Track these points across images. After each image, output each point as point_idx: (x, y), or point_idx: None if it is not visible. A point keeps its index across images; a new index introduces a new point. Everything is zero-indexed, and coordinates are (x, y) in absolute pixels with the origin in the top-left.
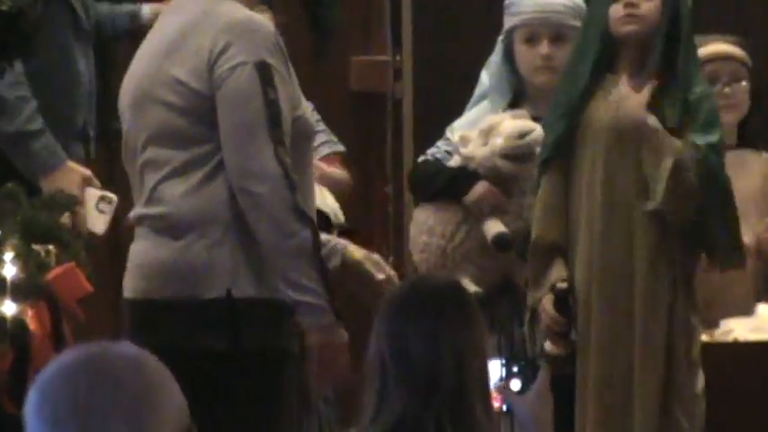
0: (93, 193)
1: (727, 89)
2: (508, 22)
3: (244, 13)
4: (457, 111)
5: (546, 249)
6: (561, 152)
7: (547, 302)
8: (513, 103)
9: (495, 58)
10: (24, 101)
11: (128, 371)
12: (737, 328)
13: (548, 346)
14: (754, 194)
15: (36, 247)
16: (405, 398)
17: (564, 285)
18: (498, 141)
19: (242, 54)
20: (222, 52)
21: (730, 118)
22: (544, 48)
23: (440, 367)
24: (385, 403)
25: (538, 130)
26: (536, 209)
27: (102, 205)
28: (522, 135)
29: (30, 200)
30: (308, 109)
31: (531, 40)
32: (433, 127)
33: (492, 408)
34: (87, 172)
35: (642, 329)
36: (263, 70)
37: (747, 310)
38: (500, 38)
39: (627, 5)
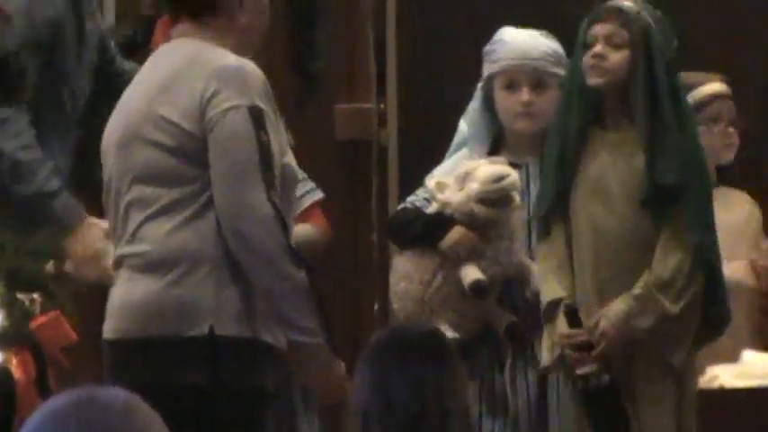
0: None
1: (730, 129)
2: (488, 69)
3: (235, 58)
4: (443, 158)
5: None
6: (561, 205)
7: (560, 323)
8: (493, 150)
9: (474, 105)
10: (40, 162)
11: (117, 417)
12: (723, 375)
13: (578, 369)
14: (740, 228)
15: (21, 295)
16: None
17: (570, 302)
18: (474, 186)
19: (235, 98)
20: (214, 95)
21: (730, 157)
22: (524, 95)
23: (423, 414)
24: None
25: (513, 175)
26: (546, 265)
27: None
28: (498, 179)
29: (15, 248)
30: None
31: (511, 86)
32: (419, 174)
33: None
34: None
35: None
36: (256, 114)
37: (734, 357)
38: (479, 85)
39: (593, 57)
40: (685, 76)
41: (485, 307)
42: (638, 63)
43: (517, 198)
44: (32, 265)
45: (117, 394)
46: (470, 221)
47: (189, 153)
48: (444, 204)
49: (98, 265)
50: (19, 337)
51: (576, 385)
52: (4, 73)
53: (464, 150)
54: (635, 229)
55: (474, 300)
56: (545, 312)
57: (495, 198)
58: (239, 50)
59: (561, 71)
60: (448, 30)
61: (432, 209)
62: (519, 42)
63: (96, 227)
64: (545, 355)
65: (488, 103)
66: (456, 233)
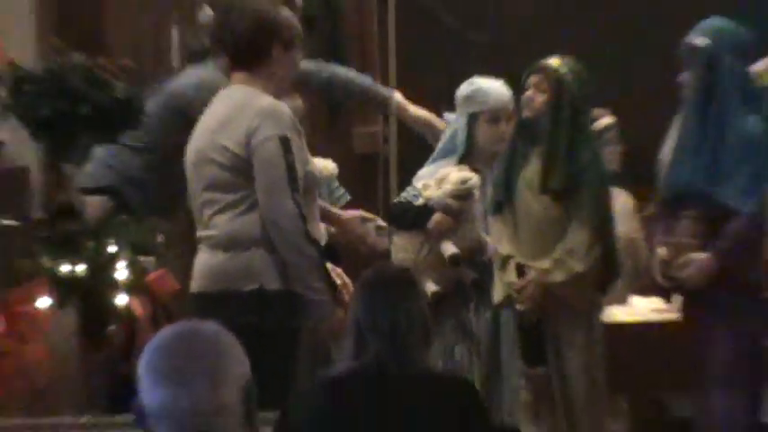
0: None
1: (618, 148)
2: (475, 107)
3: (271, 101)
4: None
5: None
6: (509, 195)
7: (510, 274)
8: (460, 159)
9: (459, 131)
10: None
11: (209, 340)
12: (617, 313)
13: (518, 306)
14: (620, 210)
15: (141, 257)
16: (375, 345)
17: (520, 260)
18: (448, 187)
19: (270, 130)
20: (256, 129)
21: (614, 167)
22: (503, 126)
23: (397, 326)
24: (361, 348)
25: (475, 179)
26: (500, 232)
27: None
28: (464, 182)
29: (136, 228)
30: (315, 167)
31: (494, 121)
32: (410, 177)
33: (430, 347)
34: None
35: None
36: (284, 142)
37: (624, 301)
38: (465, 118)
39: (526, 98)
40: (595, 111)
41: (457, 269)
42: (551, 103)
43: (476, 194)
44: (148, 237)
45: (210, 326)
46: (446, 211)
47: (240, 170)
48: (428, 199)
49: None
50: (138, 287)
51: (516, 319)
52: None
53: (441, 161)
54: (551, 212)
55: (450, 265)
56: (500, 263)
57: (463, 195)
58: (277, 94)
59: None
60: (437, 70)
61: (419, 202)
62: (497, 90)
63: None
64: (497, 294)
65: (470, 131)
66: (437, 218)
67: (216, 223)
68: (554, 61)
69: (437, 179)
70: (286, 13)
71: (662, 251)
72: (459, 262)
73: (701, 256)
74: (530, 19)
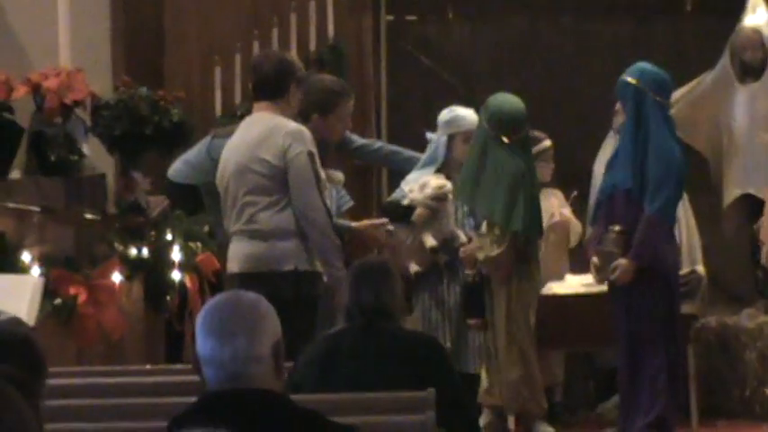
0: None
1: (551, 164)
2: (453, 129)
3: (296, 124)
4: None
5: None
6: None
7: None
8: (440, 168)
9: (439, 147)
10: None
11: (249, 305)
12: (555, 287)
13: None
14: (550, 206)
15: (191, 243)
16: (362, 317)
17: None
18: (429, 191)
19: (300, 147)
20: (290, 146)
21: (548, 178)
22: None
23: (380, 303)
24: (352, 318)
25: (449, 185)
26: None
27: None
28: (441, 187)
29: (188, 218)
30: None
31: (465, 140)
32: (399, 181)
33: (404, 317)
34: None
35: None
36: (311, 155)
37: (561, 278)
38: (446, 137)
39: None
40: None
41: (434, 255)
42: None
43: (450, 196)
44: (197, 228)
45: (250, 294)
46: (427, 208)
47: (276, 177)
48: (413, 200)
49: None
50: (190, 266)
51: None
52: None
53: (424, 170)
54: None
55: (430, 253)
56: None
57: (440, 197)
58: (292, 119)
59: None
60: (419, 100)
61: (406, 201)
62: (470, 117)
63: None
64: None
65: (448, 147)
66: (419, 212)
67: (258, 219)
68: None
69: (420, 184)
70: (298, 60)
71: (594, 260)
72: (437, 251)
73: (623, 261)
74: (489, 63)
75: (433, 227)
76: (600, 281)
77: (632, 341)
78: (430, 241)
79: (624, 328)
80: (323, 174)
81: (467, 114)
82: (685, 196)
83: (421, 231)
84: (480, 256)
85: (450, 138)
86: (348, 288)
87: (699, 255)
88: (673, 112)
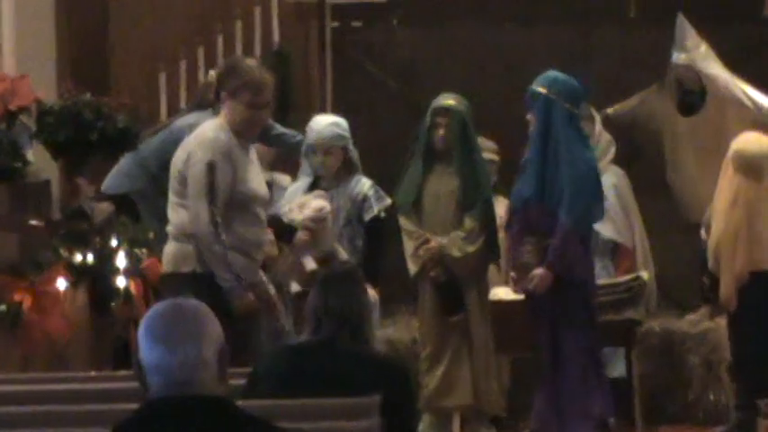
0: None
1: (495, 178)
2: (308, 141)
3: (209, 133)
4: None
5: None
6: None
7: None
8: (315, 180)
9: (306, 166)
10: None
11: (192, 311)
12: (500, 293)
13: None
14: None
15: (136, 249)
16: (329, 325)
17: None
18: (307, 212)
19: (200, 156)
20: (193, 153)
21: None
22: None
23: (347, 311)
24: (320, 327)
25: (327, 207)
26: (412, 223)
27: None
28: (319, 209)
29: (133, 226)
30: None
31: (316, 152)
32: None
33: (372, 329)
34: None
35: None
36: (210, 166)
37: (505, 284)
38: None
39: (438, 132)
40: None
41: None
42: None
43: (329, 218)
44: (142, 234)
45: (192, 301)
46: (307, 231)
47: (183, 182)
48: (291, 220)
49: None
50: (135, 272)
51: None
52: None
53: (301, 180)
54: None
55: (310, 276)
56: (421, 242)
57: (319, 218)
58: (237, 132)
59: (341, 143)
60: (363, 106)
61: (286, 219)
62: (316, 126)
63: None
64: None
65: (309, 158)
66: (299, 236)
67: (170, 220)
68: (451, 101)
69: (298, 204)
70: (252, 74)
71: (512, 273)
72: (317, 276)
73: (539, 271)
74: (434, 69)
75: (314, 246)
76: (518, 292)
77: (555, 350)
78: (310, 264)
79: (547, 337)
80: (245, 186)
81: (314, 125)
82: (636, 202)
83: (300, 253)
84: (456, 253)
85: (307, 148)
86: (313, 300)
87: (650, 260)
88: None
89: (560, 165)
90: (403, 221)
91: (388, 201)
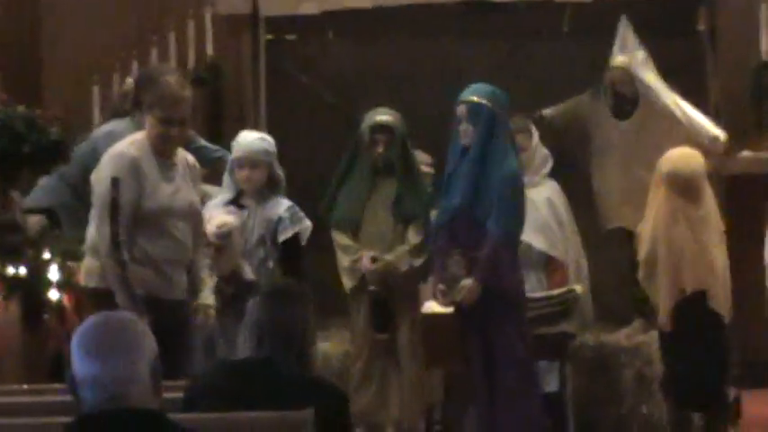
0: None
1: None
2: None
3: (119, 148)
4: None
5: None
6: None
7: (366, 263)
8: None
9: (229, 182)
10: None
11: (125, 325)
12: (434, 306)
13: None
14: None
15: (69, 262)
16: (271, 343)
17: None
18: (211, 228)
19: (105, 171)
20: (100, 168)
21: None
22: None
23: (290, 330)
24: (261, 344)
25: (231, 222)
26: (347, 240)
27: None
28: (222, 225)
29: (66, 240)
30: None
31: (241, 166)
32: None
33: (312, 347)
34: None
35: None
36: (114, 182)
37: None
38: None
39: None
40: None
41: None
42: (396, 149)
43: (234, 233)
44: (75, 247)
45: (124, 314)
46: (211, 246)
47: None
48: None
49: None
50: (68, 285)
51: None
52: None
53: (223, 194)
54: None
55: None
56: (356, 259)
57: (222, 235)
58: (154, 146)
59: (267, 158)
60: (299, 119)
61: None
62: (242, 140)
63: None
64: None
65: (233, 173)
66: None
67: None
68: (389, 117)
69: (208, 219)
70: (166, 90)
71: (440, 286)
72: (222, 288)
73: (467, 282)
74: (370, 82)
75: (218, 262)
76: (446, 304)
77: (487, 363)
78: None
79: (478, 350)
80: (148, 197)
81: (241, 139)
82: (571, 215)
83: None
84: (403, 267)
85: (232, 163)
86: (255, 313)
87: (585, 269)
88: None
89: (491, 175)
90: (338, 236)
91: (307, 223)
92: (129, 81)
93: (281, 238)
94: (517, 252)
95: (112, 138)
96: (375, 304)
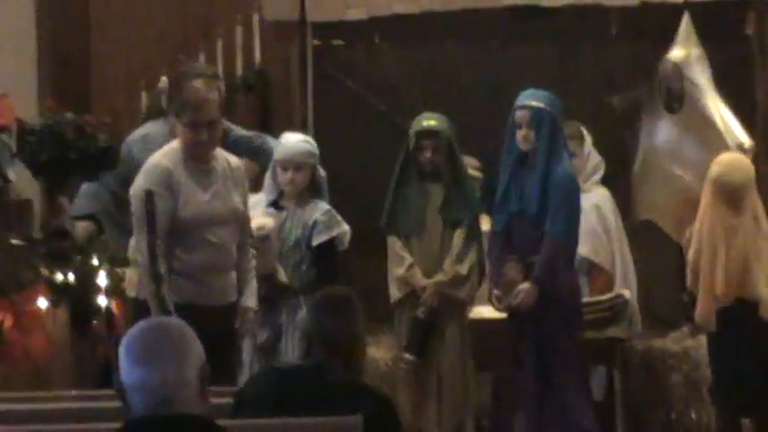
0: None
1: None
2: (275, 156)
3: (154, 159)
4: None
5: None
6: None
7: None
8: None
9: (270, 183)
10: None
11: (174, 330)
12: (483, 312)
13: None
14: None
15: (117, 268)
16: (322, 351)
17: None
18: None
19: (139, 183)
20: (137, 180)
21: None
22: (291, 174)
23: (339, 340)
24: (310, 351)
25: (269, 225)
26: (401, 250)
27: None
28: (260, 228)
29: (114, 245)
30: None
31: (285, 168)
32: None
33: (363, 359)
34: None
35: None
36: (148, 194)
37: (487, 302)
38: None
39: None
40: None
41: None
42: (447, 156)
43: (272, 236)
44: (122, 253)
45: (174, 320)
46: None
47: None
48: None
49: None
50: (116, 291)
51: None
52: None
53: (262, 195)
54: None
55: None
56: (408, 273)
57: (260, 238)
58: (188, 152)
59: (311, 160)
60: (347, 125)
61: None
62: (286, 142)
63: None
64: (394, 291)
65: (274, 175)
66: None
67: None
68: (435, 122)
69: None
70: (192, 93)
71: (496, 291)
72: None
73: (525, 285)
74: (417, 87)
75: (256, 263)
76: (503, 309)
77: (540, 368)
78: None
79: (531, 355)
80: (182, 208)
81: (284, 141)
82: (618, 216)
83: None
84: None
85: (275, 164)
86: (306, 323)
87: (633, 276)
88: None
89: (551, 179)
90: (392, 243)
91: (345, 227)
92: (164, 80)
93: (316, 242)
94: (574, 255)
95: (148, 141)
96: (416, 326)
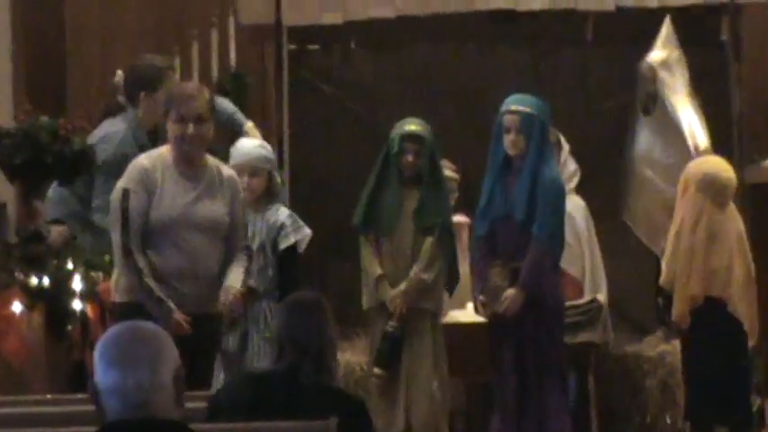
0: None
1: (457, 194)
2: (233, 161)
3: (138, 158)
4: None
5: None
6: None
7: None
8: None
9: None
10: None
11: (149, 334)
12: (458, 316)
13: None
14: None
15: (92, 272)
16: (291, 355)
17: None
18: None
19: (119, 183)
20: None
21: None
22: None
23: (311, 343)
24: (282, 355)
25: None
26: (369, 261)
27: None
28: None
29: (90, 250)
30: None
31: (242, 173)
32: None
33: (335, 362)
34: None
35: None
36: (124, 193)
37: (462, 306)
38: None
39: (405, 161)
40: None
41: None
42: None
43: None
44: (97, 258)
45: (147, 324)
46: None
47: None
48: None
49: None
50: (91, 295)
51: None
52: None
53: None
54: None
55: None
56: (377, 283)
57: None
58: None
59: (267, 165)
60: (322, 125)
61: None
62: (243, 148)
63: None
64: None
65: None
66: None
67: None
68: (419, 127)
69: None
70: (174, 89)
71: (481, 297)
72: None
73: (511, 291)
74: (392, 91)
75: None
76: (488, 316)
77: (521, 372)
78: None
79: (511, 360)
80: (156, 207)
81: (240, 147)
82: (591, 223)
83: None
84: (416, 286)
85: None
86: (278, 326)
87: (603, 283)
88: None
89: (539, 184)
90: (364, 248)
91: (307, 231)
92: (119, 73)
93: (283, 245)
94: (560, 259)
95: (107, 141)
96: (384, 340)
